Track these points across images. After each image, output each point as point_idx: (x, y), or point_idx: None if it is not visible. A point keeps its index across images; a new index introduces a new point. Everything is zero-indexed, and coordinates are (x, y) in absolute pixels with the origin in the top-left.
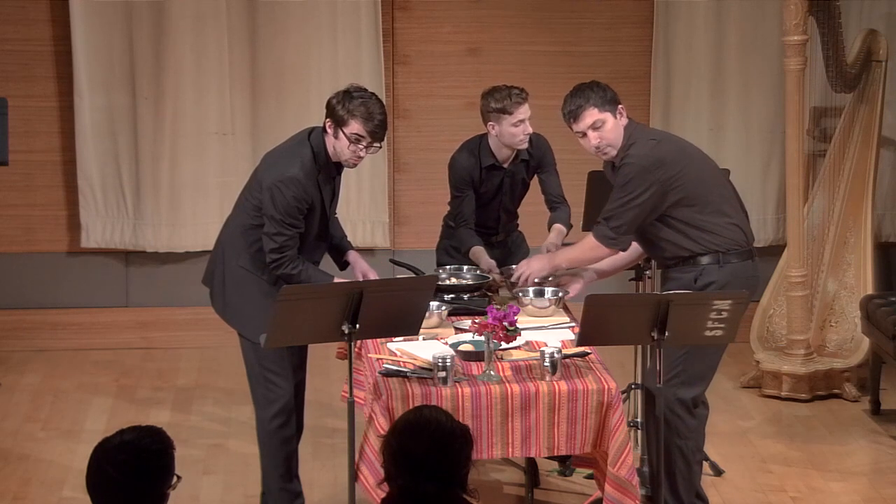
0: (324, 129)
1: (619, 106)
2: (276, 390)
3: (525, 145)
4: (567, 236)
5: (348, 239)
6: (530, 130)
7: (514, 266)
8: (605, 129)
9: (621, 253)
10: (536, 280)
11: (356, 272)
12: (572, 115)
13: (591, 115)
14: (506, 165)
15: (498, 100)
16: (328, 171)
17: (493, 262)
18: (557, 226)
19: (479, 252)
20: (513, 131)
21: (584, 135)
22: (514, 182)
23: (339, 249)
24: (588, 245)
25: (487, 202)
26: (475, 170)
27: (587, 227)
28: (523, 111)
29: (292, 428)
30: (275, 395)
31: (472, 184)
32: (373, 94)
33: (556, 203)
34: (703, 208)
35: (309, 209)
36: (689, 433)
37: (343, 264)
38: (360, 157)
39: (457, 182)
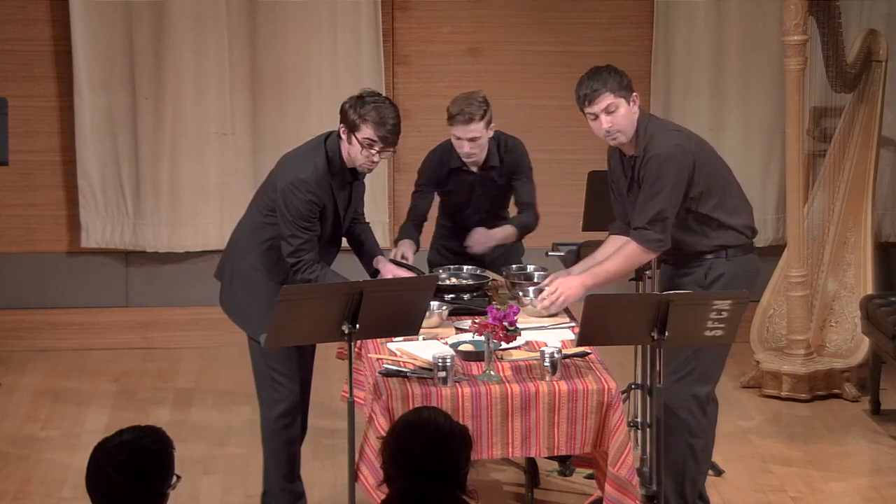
0: (338, 135)
1: (634, 94)
2: (282, 391)
3: (470, 160)
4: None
5: (379, 246)
6: (476, 154)
7: (513, 266)
8: (617, 114)
9: (598, 259)
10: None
11: (386, 276)
12: (587, 98)
13: (606, 98)
14: (474, 169)
15: (453, 105)
16: (343, 177)
17: (406, 251)
18: (507, 226)
19: (405, 244)
20: (456, 143)
21: (596, 117)
22: (486, 187)
23: (368, 256)
24: (630, 254)
25: (463, 205)
26: (441, 169)
27: (587, 228)
28: (462, 131)
29: (297, 429)
30: (280, 395)
31: (437, 182)
32: (387, 98)
33: (522, 209)
34: (720, 202)
35: (322, 213)
36: (701, 432)
37: (374, 273)
38: (375, 163)
39: (420, 176)
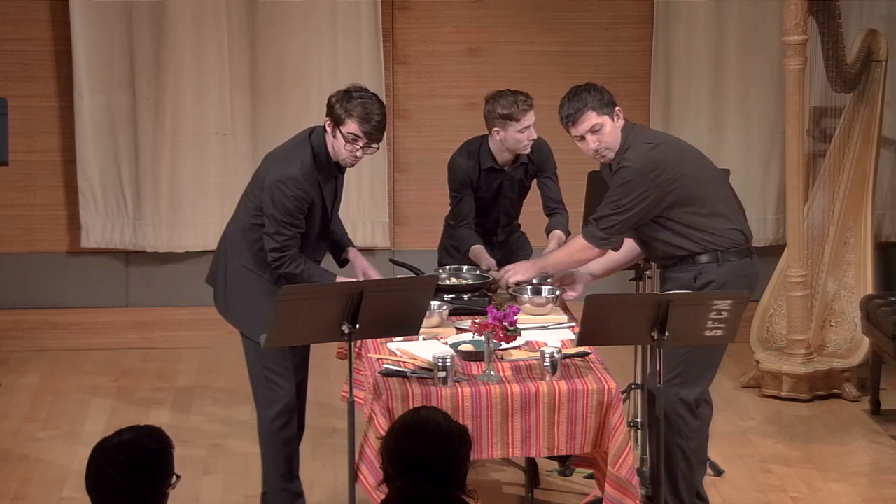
0: (324, 128)
1: (616, 108)
2: (278, 391)
3: (528, 150)
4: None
5: (349, 237)
6: (535, 136)
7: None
8: (603, 132)
9: (615, 255)
10: (519, 280)
11: (356, 270)
12: (570, 119)
13: (590, 118)
14: (505, 168)
15: (504, 106)
16: (328, 171)
17: (492, 262)
18: (557, 232)
19: (479, 251)
20: (518, 137)
21: (583, 138)
22: (513, 185)
23: (338, 246)
24: (576, 247)
25: (488, 205)
26: (474, 171)
27: None
28: (529, 118)
29: (294, 428)
30: (276, 395)
31: (471, 184)
32: (373, 94)
33: (554, 208)
34: (699, 209)
35: (309, 209)
36: (691, 433)
37: (343, 262)
38: (357, 157)
39: (455, 183)
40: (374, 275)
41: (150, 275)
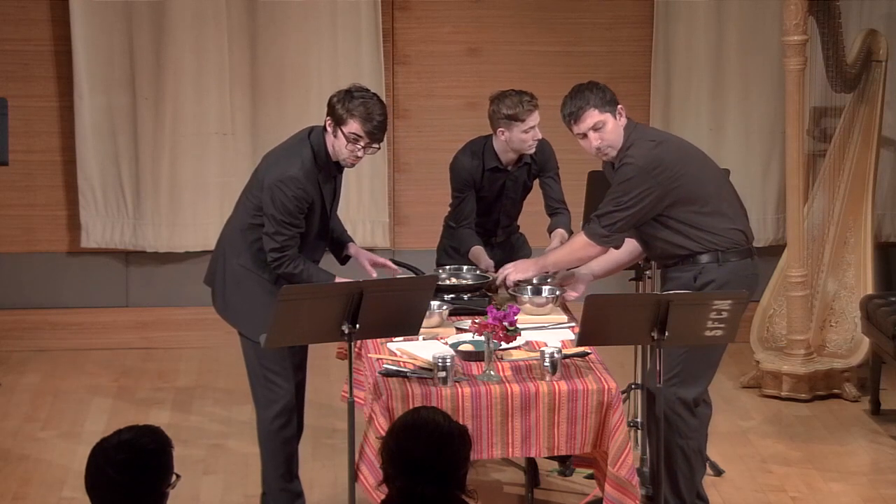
0: (324, 128)
1: (619, 106)
2: (277, 390)
3: (533, 150)
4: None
5: (348, 234)
6: (539, 136)
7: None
8: (605, 130)
9: (616, 254)
10: (520, 279)
11: (361, 261)
12: (573, 117)
13: (592, 116)
14: (509, 168)
15: (510, 106)
16: (328, 171)
17: (491, 263)
18: (560, 231)
19: (479, 252)
20: (523, 137)
21: (585, 136)
22: (516, 185)
23: (338, 244)
24: (578, 244)
25: (490, 204)
26: (477, 171)
27: None
28: (534, 118)
29: (293, 428)
30: (276, 395)
31: (474, 185)
32: (374, 94)
33: (557, 208)
34: (701, 208)
35: (309, 208)
36: (691, 433)
37: (344, 259)
38: (358, 157)
39: (458, 183)
40: (381, 261)
41: (150, 275)
